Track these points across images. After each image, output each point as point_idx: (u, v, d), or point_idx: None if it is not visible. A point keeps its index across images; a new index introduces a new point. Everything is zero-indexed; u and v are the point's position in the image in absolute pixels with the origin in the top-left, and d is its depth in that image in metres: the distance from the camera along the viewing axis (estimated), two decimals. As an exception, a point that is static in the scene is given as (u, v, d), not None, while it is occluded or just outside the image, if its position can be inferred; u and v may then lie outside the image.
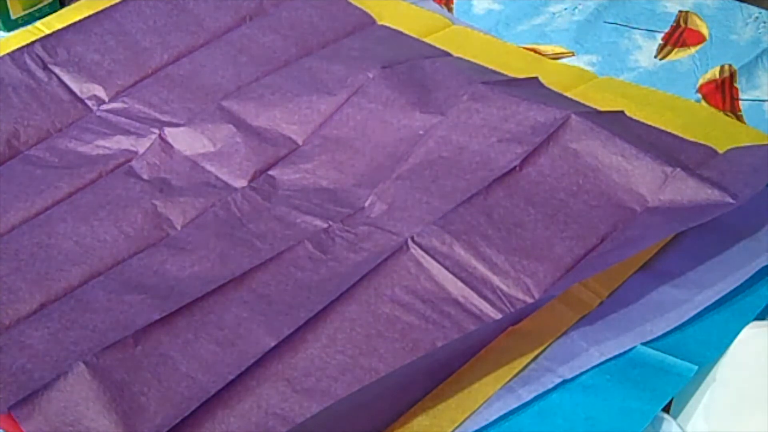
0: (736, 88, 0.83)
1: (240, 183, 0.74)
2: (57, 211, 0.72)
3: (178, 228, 0.71)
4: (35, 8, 0.96)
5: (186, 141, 0.78)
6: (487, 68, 0.83)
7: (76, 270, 0.66)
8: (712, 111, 0.80)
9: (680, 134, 0.74)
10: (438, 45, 0.88)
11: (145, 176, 0.75)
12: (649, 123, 0.76)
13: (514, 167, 0.69)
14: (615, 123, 0.72)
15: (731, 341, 0.58)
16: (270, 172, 0.75)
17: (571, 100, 0.78)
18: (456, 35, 0.91)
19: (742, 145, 0.73)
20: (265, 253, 0.67)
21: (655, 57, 0.88)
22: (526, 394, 0.57)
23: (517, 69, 0.83)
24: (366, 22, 0.92)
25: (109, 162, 0.77)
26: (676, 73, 0.85)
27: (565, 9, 0.94)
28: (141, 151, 0.77)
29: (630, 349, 0.59)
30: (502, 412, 0.56)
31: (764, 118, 0.80)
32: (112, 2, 0.92)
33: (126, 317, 0.62)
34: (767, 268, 0.62)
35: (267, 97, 0.80)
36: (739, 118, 0.80)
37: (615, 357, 0.59)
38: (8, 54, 0.86)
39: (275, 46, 0.88)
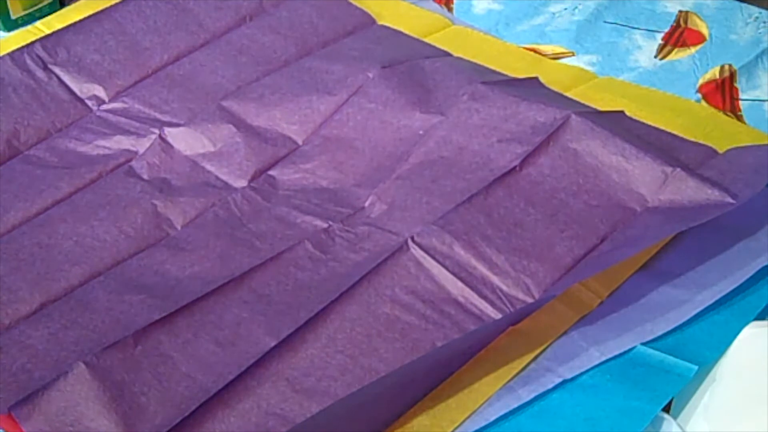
0: (736, 88, 0.83)
1: (240, 183, 0.74)
2: (57, 211, 0.72)
3: (178, 228, 0.71)
4: (35, 8, 0.96)
5: (186, 141, 0.78)
6: (487, 68, 0.83)
7: (76, 270, 0.66)
8: (712, 111, 0.80)
9: (680, 134, 0.74)
10: (438, 45, 0.88)
11: (145, 176, 0.75)
12: (649, 123, 0.76)
13: (514, 167, 0.69)
14: (615, 123, 0.72)
15: (731, 341, 0.58)
16: (270, 172, 0.75)
17: (571, 100, 0.78)
18: (456, 35, 0.91)
19: (742, 145, 0.73)
20: (265, 253, 0.67)
21: (655, 57, 0.88)
22: (526, 394, 0.57)
23: (517, 69, 0.83)
24: (366, 22, 0.92)
25: (109, 162, 0.77)
26: (676, 73, 0.85)
27: (565, 9, 0.94)
28: (141, 151, 0.77)
29: (630, 349, 0.59)
30: (502, 412, 0.56)
31: (764, 118, 0.80)
32: (112, 2, 0.92)
33: (126, 317, 0.62)
34: (767, 268, 0.62)
35: (267, 97, 0.80)
36: (739, 118, 0.80)
37: (615, 357, 0.59)
38: (8, 54, 0.86)
39: (275, 46, 0.88)
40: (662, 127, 0.75)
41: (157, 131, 0.79)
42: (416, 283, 0.63)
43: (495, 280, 0.63)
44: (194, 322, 0.61)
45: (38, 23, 0.94)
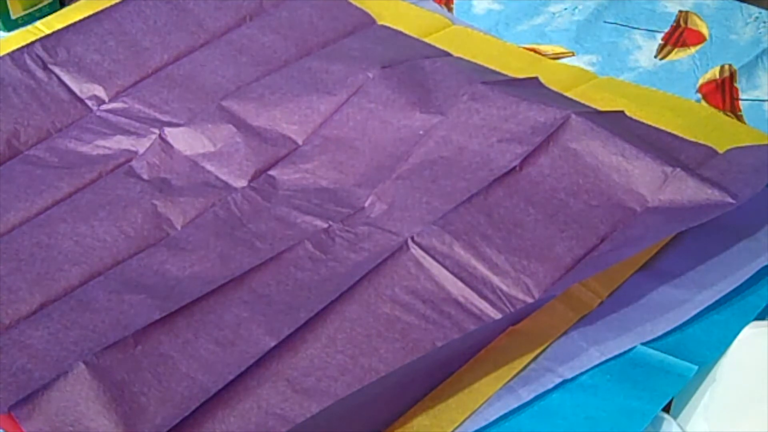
0: (736, 88, 0.83)
1: (240, 183, 0.74)
2: (57, 211, 0.72)
3: (178, 228, 0.71)
4: (35, 8, 0.96)
5: (186, 141, 0.78)
6: (487, 68, 0.83)
7: (76, 270, 0.66)
8: (712, 111, 0.80)
9: (680, 134, 0.74)
10: (438, 45, 0.88)
11: (145, 176, 0.75)
12: (649, 123, 0.76)
13: (514, 167, 0.69)
14: (615, 123, 0.72)
15: (731, 341, 0.58)
16: (270, 172, 0.75)
17: (571, 100, 0.78)
18: (456, 35, 0.91)
19: (742, 145, 0.73)
20: (265, 253, 0.67)
21: (655, 57, 0.88)
22: (526, 394, 0.57)
23: (517, 69, 0.83)
24: (366, 22, 0.92)
25: (109, 162, 0.77)
26: (676, 73, 0.85)
27: (565, 9, 0.94)
28: (141, 151, 0.77)
29: (630, 349, 0.59)
30: (502, 412, 0.56)
31: (764, 118, 0.80)
32: (112, 2, 0.92)
33: (126, 317, 0.62)
34: (767, 268, 0.62)
35: (267, 97, 0.80)
36: (739, 118, 0.80)
37: (615, 357, 0.59)
38: (8, 54, 0.86)
39: (275, 46, 0.88)
40: (662, 127, 0.75)
41: (157, 131, 0.79)
42: (416, 283, 0.63)
43: (495, 280, 0.63)
44: (194, 322, 0.61)
45: (38, 23, 0.94)
